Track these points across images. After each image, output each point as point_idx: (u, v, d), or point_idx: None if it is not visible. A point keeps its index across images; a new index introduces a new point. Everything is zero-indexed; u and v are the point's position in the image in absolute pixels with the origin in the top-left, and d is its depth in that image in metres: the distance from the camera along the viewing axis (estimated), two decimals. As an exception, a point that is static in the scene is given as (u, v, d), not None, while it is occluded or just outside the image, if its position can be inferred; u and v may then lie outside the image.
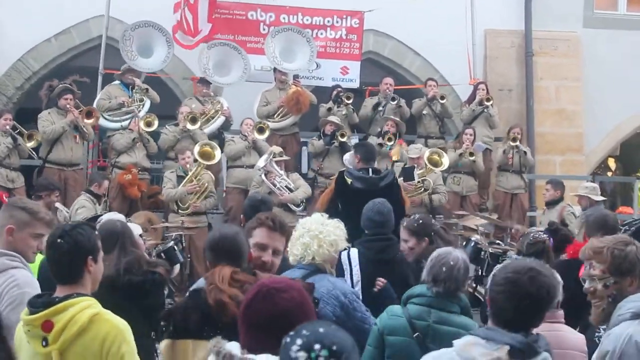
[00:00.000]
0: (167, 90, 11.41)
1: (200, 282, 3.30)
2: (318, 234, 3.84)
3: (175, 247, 7.70)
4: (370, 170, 6.58)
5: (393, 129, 10.06)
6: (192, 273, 8.22)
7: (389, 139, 9.89)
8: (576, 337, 3.76)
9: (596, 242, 3.16)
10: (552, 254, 5.11)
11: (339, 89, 10.55)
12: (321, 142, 9.87)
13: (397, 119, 10.24)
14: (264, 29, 11.07)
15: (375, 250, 4.96)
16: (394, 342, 3.77)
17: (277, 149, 9.15)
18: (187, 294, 3.39)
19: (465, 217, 9.16)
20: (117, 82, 10.28)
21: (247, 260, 3.34)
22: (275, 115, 10.27)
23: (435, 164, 9.25)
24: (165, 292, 4.25)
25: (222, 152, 9.46)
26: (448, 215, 9.37)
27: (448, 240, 5.09)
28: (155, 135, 9.84)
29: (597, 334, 3.68)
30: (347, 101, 10.29)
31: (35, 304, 2.82)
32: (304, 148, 10.76)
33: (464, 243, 8.16)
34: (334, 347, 1.84)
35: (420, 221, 5.13)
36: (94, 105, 9.90)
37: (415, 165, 9.16)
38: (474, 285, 7.67)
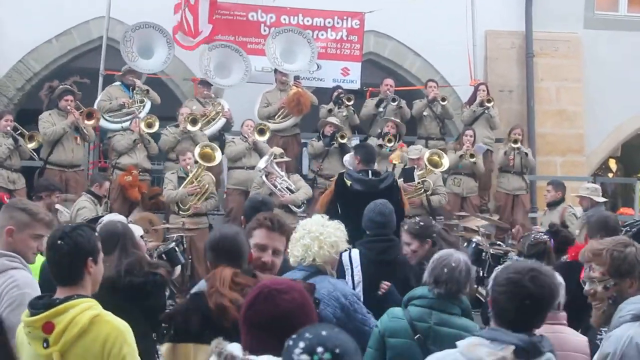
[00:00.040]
0: (168, 91, 11.41)
1: (202, 285, 3.29)
2: (319, 235, 3.84)
3: (176, 249, 7.71)
4: (369, 172, 6.58)
5: (393, 131, 10.06)
6: (193, 274, 8.22)
7: (389, 140, 9.89)
8: (578, 339, 3.75)
9: (595, 244, 3.16)
10: (553, 255, 5.12)
11: (340, 90, 10.55)
12: (321, 144, 9.87)
13: (398, 120, 10.24)
14: (264, 30, 11.07)
15: (376, 251, 4.95)
16: (395, 344, 3.76)
17: (278, 150, 9.15)
18: (188, 297, 3.38)
19: (466, 219, 9.15)
20: (117, 83, 10.29)
21: (247, 261, 3.34)
22: (276, 117, 10.27)
23: (435, 165, 9.24)
24: (167, 293, 4.25)
25: (222, 153, 9.46)
26: (449, 216, 9.37)
27: (451, 241, 5.07)
28: (156, 136, 9.84)
29: (598, 336, 3.68)
30: (347, 103, 10.28)
31: (36, 306, 2.82)
32: (304, 149, 10.76)
33: (465, 244, 8.15)
34: (337, 350, 1.84)
35: (422, 223, 5.13)
36: (95, 106, 9.90)
37: (415, 166, 9.16)
38: (475, 286, 7.67)
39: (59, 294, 2.88)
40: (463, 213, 9.44)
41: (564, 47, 12.22)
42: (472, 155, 9.88)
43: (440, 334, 3.68)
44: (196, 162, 8.91)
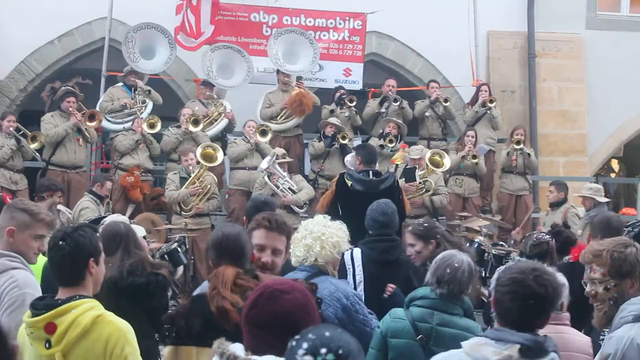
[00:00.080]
0: (170, 92, 11.42)
1: (204, 286, 3.27)
2: (320, 235, 3.83)
3: (179, 249, 7.70)
4: (370, 172, 6.58)
5: (394, 131, 10.06)
6: (196, 275, 8.23)
7: (390, 141, 9.89)
8: (581, 340, 3.75)
9: (596, 246, 3.16)
10: (555, 256, 5.12)
11: (342, 91, 10.55)
12: (321, 144, 9.87)
13: (399, 121, 10.24)
14: (266, 31, 11.08)
15: (379, 251, 4.94)
16: (397, 344, 3.76)
17: (280, 150, 9.15)
18: (190, 299, 3.36)
19: (469, 219, 9.15)
20: (119, 84, 10.31)
21: (250, 261, 3.32)
22: (278, 117, 10.28)
23: (437, 165, 9.24)
24: (169, 294, 4.25)
25: (224, 154, 9.46)
26: (451, 217, 9.36)
27: (455, 242, 5.05)
28: (158, 137, 9.85)
29: (601, 337, 3.67)
30: (350, 104, 10.28)
31: (38, 306, 2.82)
32: (306, 149, 10.76)
33: (468, 244, 8.14)
34: (340, 351, 1.84)
35: (425, 224, 5.12)
36: (97, 107, 9.92)
37: (417, 166, 9.16)
38: (478, 286, 7.65)
39: (61, 294, 2.88)
40: (465, 213, 9.43)
41: (566, 48, 12.21)
42: (474, 156, 9.88)
43: (443, 335, 3.67)
44: (198, 162, 8.91)
